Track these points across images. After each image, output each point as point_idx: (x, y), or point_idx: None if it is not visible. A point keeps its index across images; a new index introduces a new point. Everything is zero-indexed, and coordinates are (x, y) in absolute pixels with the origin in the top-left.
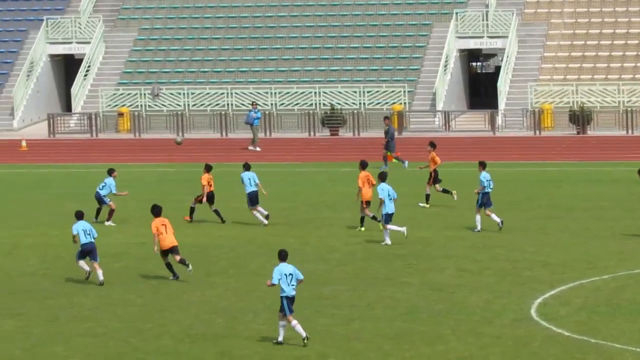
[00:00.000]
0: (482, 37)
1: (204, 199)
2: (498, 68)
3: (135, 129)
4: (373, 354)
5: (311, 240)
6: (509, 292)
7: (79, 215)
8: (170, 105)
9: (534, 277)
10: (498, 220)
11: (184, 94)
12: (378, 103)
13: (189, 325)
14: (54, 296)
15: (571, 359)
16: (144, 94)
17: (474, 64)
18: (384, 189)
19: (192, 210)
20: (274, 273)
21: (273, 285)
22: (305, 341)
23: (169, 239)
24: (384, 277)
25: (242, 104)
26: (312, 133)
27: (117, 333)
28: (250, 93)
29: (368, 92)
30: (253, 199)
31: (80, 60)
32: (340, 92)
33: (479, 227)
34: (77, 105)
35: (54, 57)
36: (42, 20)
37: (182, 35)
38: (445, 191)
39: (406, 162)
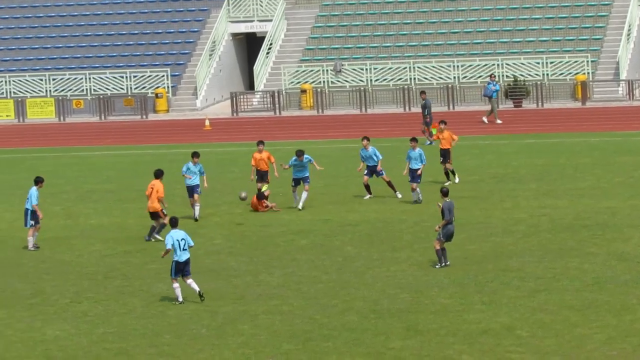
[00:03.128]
0: None
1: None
2: None
3: (318, 105)
4: (559, 326)
5: (496, 213)
6: None
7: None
8: (352, 80)
9: None
10: None
11: (366, 69)
12: (561, 74)
13: (374, 300)
14: (239, 275)
15: None
16: (327, 71)
17: None
18: None
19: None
20: (167, 239)
21: (168, 251)
22: (202, 298)
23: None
24: (570, 248)
25: (424, 78)
26: (496, 105)
27: (303, 310)
28: (433, 67)
29: (551, 62)
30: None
31: (261, 38)
32: (523, 64)
33: None
34: (260, 83)
35: (235, 36)
36: None
37: (363, 11)
38: (448, 173)
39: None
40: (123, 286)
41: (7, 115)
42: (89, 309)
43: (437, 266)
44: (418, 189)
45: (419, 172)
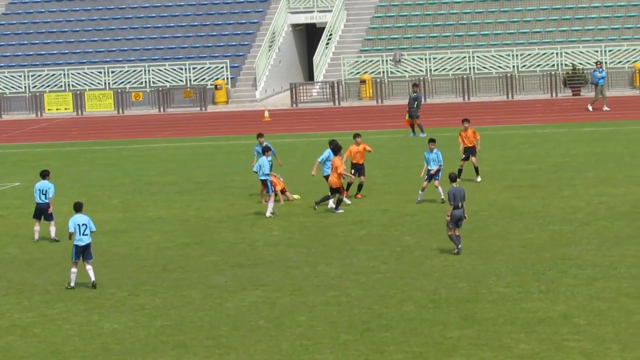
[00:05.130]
0: None
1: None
2: None
3: (378, 95)
4: (617, 313)
5: (554, 202)
6: None
7: (78, 207)
8: (412, 70)
9: None
10: None
11: (425, 59)
12: (619, 62)
13: (432, 290)
14: (297, 266)
15: None
16: (386, 61)
17: None
18: None
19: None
20: (69, 223)
21: (71, 234)
22: (94, 285)
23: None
24: (627, 236)
25: (483, 67)
26: (554, 94)
27: (361, 301)
28: (492, 56)
29: (609, 51)
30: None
31: (321, 29)
32: (581, 52)
33: None
34: (319, 74)
35: (295, 27)
36: None
37: (422, 1)
38: (460, 172)
39: (413, 135)
40: (180, 278)
41: (65, 109)
42: (147, 301)
43: (454, 251)
44: (440, 188)
45: (433, 171)
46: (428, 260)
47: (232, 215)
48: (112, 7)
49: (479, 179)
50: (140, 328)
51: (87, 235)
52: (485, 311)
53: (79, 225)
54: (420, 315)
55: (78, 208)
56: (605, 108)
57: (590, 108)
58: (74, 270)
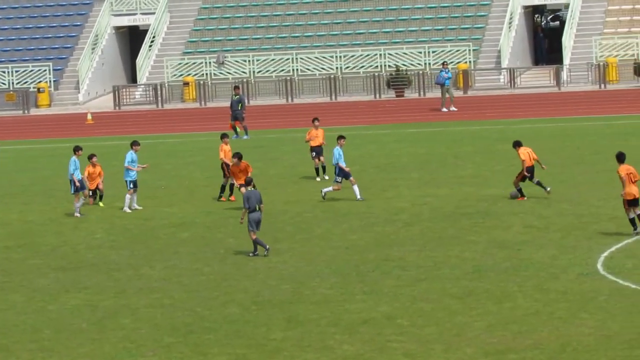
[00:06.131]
0: None
1: None
2: (563, 23)
3: (201, 98)
4: (440, 314)
5: (378, 203)
6: (575, 247)
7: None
8: (235, 72)
9: (601, 231)
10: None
11: (249, 60)
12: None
13: (255, 292)
14: (120, 268)
15: (638, 312)
16: (209, 63)
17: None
18: None
19: None
20: None
21: None
22: None
23: None
24: (450, 237)
25: (306, 69)
26: (377, 95)
27: (184, 303)
28: (316, 57)
29: (433, 52)
30: None
31: (144, 31)
32: (405, 53)
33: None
34: (142, 76)
35: (118, 29)
36: None
37: (246, 2)
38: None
39: (237, 136)
40: (3, 282)
41: None
42: None
43: (265, 253)
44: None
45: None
46: (251, 262)
47: (55, 219)
48: None
49: (326, 177)
50: None
51: None
52: (308, 312)
53: None
54: (244, 317)
55: None
56: (453, 108)
57: (444, 109)
58: None
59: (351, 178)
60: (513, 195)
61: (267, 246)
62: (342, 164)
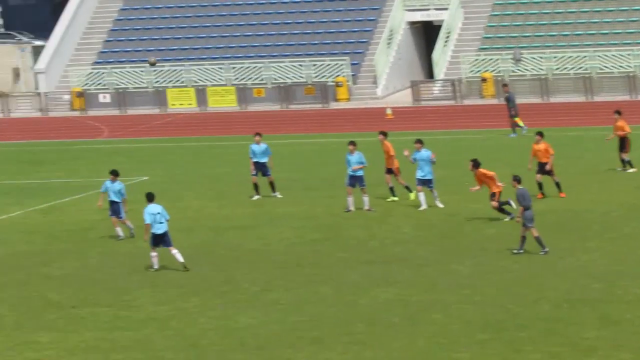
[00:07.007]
0: None
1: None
2: None
3: (500, 94)
4: None
5: None
6: None
7: (150, 198)
8: (533, 69)
9: None
10: None
11: (546, 57)
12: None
13: (566, 290)
14: (429, 264)
15: None
16: (506, 59)
17: None
18: None
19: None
20: (144, 215)
21: (147, 226)
22: (185, 268)
23: None
24: None
25: (604, 67)
26: None
27: (495, 300)
28: (613, 55)
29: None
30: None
31: (438, 27)
32: None
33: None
34: (440, 71)
35: (412, 24)
36: None
37: None
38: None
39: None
40: (313, 274)
41: (189, 104)
42: (280, 297)
43: (516, 251)
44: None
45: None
46: (560, 261)
47: (361, 212)
48: (229, 3)
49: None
50: (275, 323)
51: (162, 223)
52: (622, 312)
53: (153, 215)
54: (556, 315)
55: (151, 198)
56: None
57: None
58: (153, 254)
59: None
60: None
61: (546, 248)
62: None
